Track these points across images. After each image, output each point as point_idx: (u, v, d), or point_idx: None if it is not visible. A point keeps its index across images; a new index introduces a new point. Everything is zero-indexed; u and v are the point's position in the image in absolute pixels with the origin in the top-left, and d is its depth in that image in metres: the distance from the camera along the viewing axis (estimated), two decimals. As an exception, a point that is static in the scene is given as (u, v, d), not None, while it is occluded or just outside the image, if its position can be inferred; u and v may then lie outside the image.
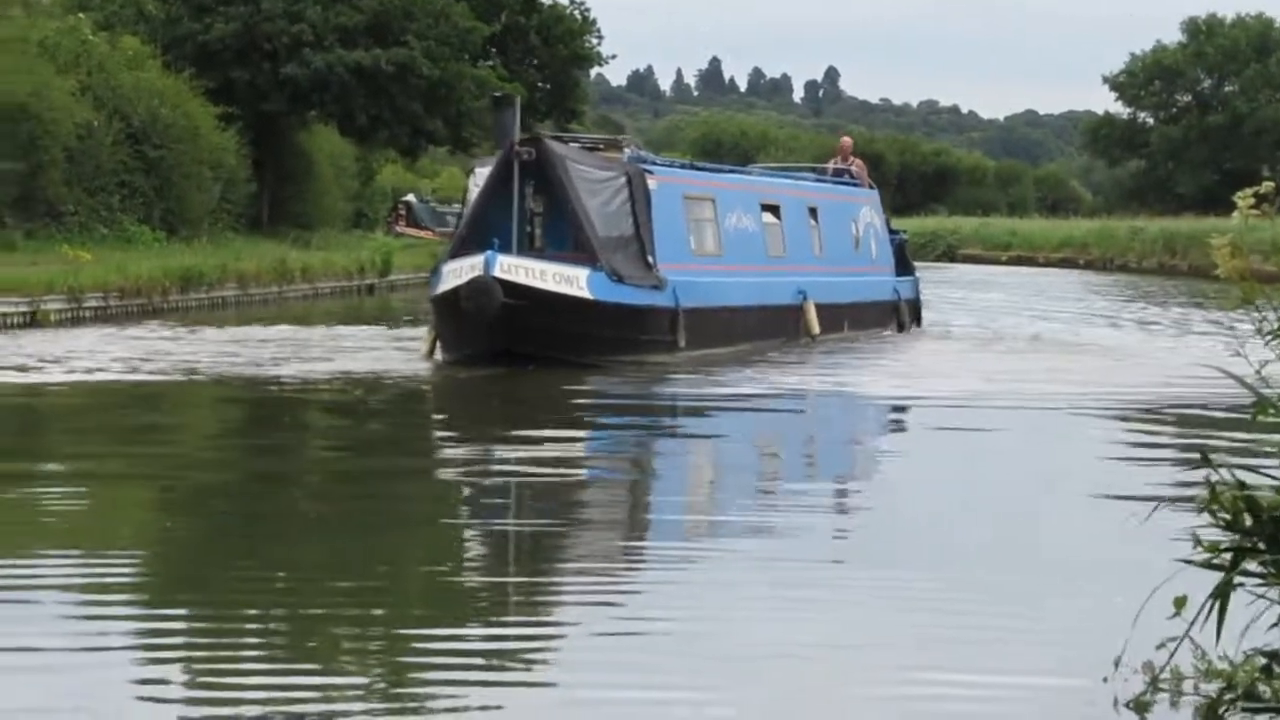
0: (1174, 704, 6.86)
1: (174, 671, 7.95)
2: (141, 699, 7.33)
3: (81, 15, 43.13)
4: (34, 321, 27.84)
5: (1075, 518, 11.84)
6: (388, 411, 19.35)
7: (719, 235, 26.48)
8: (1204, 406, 17.58)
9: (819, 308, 27.87)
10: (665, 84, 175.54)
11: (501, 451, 15.60)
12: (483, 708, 7.13)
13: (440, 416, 20.04)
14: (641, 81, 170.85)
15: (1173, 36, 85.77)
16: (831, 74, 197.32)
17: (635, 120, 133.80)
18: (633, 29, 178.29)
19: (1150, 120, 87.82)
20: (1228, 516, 6.36)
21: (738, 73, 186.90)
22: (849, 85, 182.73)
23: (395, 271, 45.85)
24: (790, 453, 16.68)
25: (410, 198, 70.96)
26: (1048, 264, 63.20)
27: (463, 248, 23.20)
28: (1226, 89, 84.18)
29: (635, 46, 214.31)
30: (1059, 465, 14.83)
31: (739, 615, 8.94)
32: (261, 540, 11.53)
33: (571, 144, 25.51)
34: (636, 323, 23.62)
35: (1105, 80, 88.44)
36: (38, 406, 18.81)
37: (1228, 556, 6.34)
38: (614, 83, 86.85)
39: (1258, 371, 6.28)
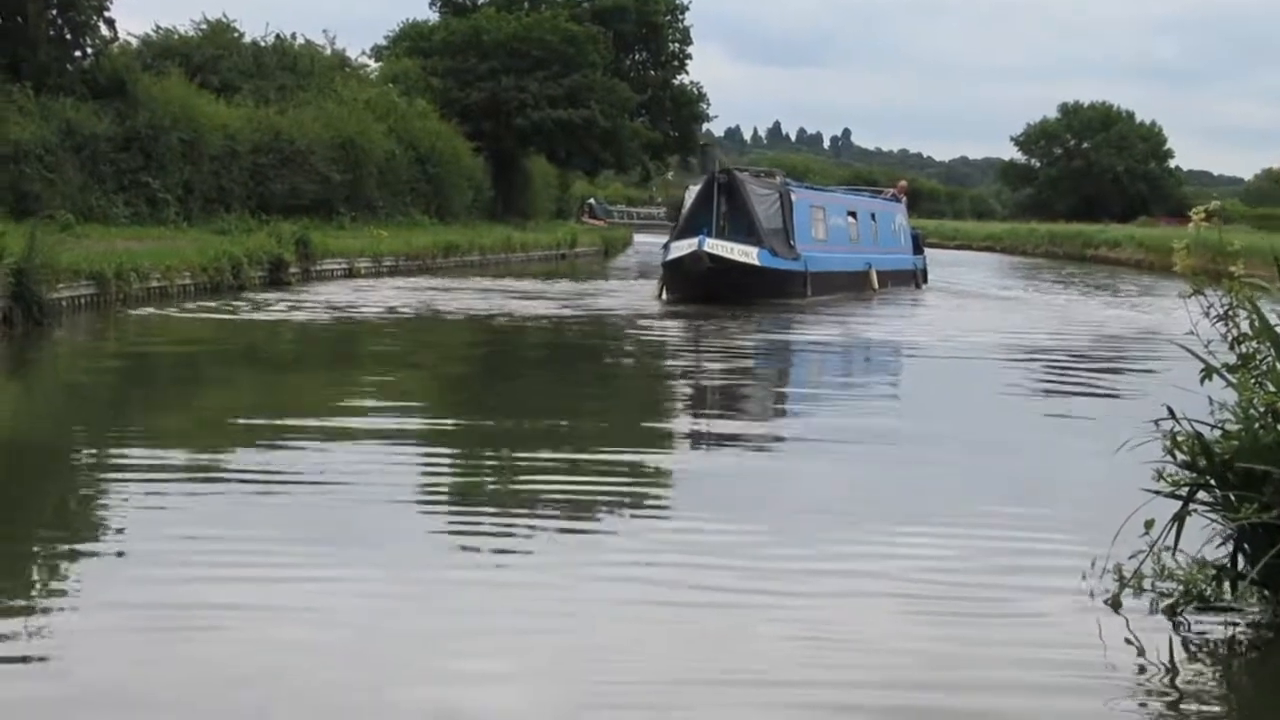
0: (1141, 604, 7.68)
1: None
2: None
3: (390, 85, 59.18)
4: (350, 274, 37.13)
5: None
6: (657, 322, 27.88)
7: (827, 229, 36.41)
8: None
9: (877, 273, 38.43)
10: (748, 135, 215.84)
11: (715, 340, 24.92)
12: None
13: (683, 324, 27.39)
14: (733, 132, 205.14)
15: (1052, 113, 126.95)
16: (846, 132, 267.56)
17: (728, 158, 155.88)
18: (729, 99, 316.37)
19: (1038, 163, 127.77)
20: (1187, 458, 7.55)
21: (790, 129, 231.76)
22: (857, 139, 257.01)
23: (579, 246, 62.99)
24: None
25: (591, 200, 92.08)
26: (978, 249, 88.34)
27: (681, 234, 32.34)
28: (1084, 145, 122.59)
29: (729, 109, 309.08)
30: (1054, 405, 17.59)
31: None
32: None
33: (746, 173, 35.54)
34: (784, 280, 32.47)
35: (1012, 138, 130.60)
36: (357, 327, 24.68)
37: (1185, 490, 7.57)
38: (716, 133, 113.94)
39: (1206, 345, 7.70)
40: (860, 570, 8.55)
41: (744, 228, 32.19)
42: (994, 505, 10.61)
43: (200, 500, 10.18)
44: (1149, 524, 7.57)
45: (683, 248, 30.98)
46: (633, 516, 10.19)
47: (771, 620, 7.58)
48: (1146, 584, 7.79)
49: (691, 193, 33.99)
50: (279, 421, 13.77)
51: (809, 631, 7.39)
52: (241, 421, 14.03)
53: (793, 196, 34.46)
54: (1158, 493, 7.63)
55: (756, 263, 31.41)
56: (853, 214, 39.57)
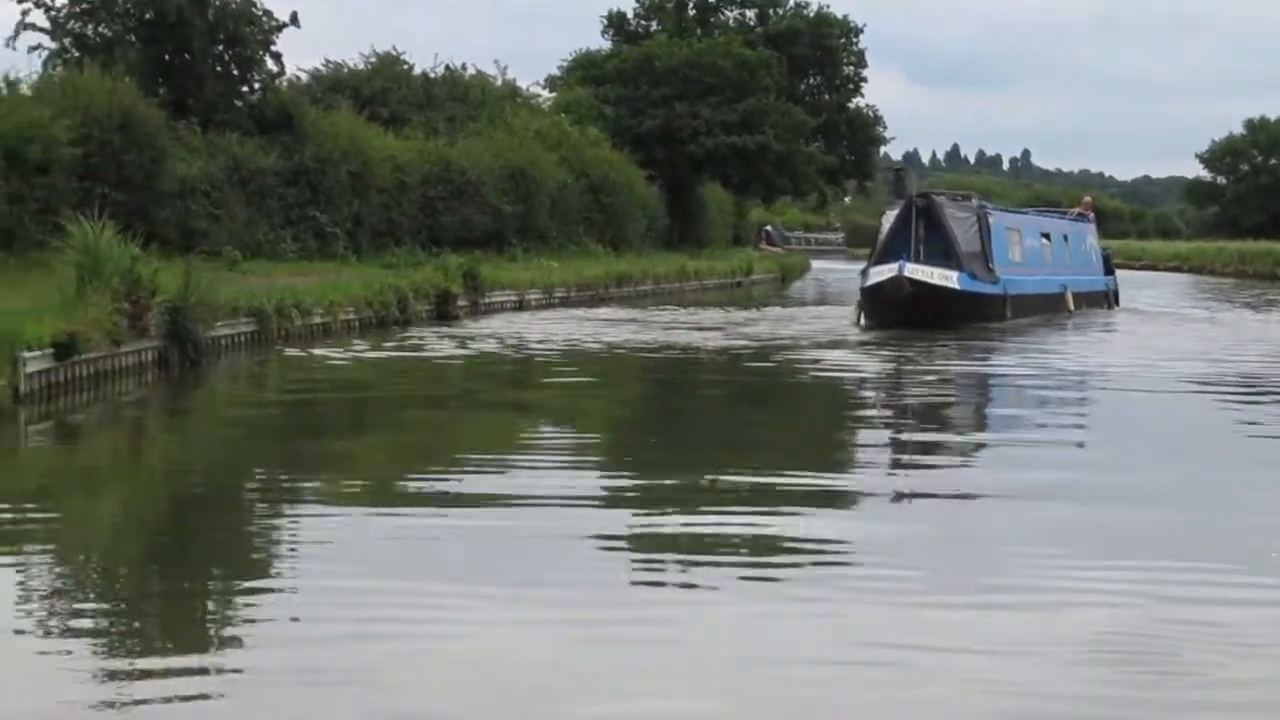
0: None
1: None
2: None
3: (563, 115, 58.21)
4: (520, 306, 36.35)
5: None
6: (855, 351, 26.73)
7: (1023, 251, 36.14)
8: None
9: (1072, 295, 37.88)
10: (925, 158, 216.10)
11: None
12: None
13: (884, 352, 26.29)
14: (910, 155, 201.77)
15: (1238, 129, 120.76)
16: (1026, 153, 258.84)
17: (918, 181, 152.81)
18: (906, 122, 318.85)
19: (1224, 180, 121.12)
20: None
21: (969, 151, 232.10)
22: (1037, 160, 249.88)
23: (755, 273, 61.34)
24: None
25: (768, 227, 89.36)
26: (1164, 269, 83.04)
27: (880, 260, 32.07)
28: (1272, 161, 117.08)
29: (906, 132, 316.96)
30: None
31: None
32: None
33: (944, 196, 34.80)
34: (984, 304, 32.33)
35: (1196, 156, 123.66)
36: (526, 361, 24.02)
37: None
38: (894, 156, 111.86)
39: None
40: (1063, 636, 7.74)
41: (942, 251, 31.83)
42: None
43: (369, 540, 10.04)
44: None
45: (882, 273, 30.86)
46: (815, 564, 9.50)
47: (955, 678, 7.14)
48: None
49: (888, 217, 33.67)
50: (448, 462, 13.57)
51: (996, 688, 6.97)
52: (409, 462, 13.68)
53: (990, 219, 34.22)
54: None
55: (957, 287, 31.17)
56: (1046, 235, 39.17)
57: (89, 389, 17.67)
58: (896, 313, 30.13)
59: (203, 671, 7.21)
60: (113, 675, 7.10)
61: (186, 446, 15.66)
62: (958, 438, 16.23)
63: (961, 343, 27.74)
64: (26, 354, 16.15)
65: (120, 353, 18.77)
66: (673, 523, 10.64)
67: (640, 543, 10.17)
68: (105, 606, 8.42)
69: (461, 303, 33.01)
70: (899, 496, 12.18)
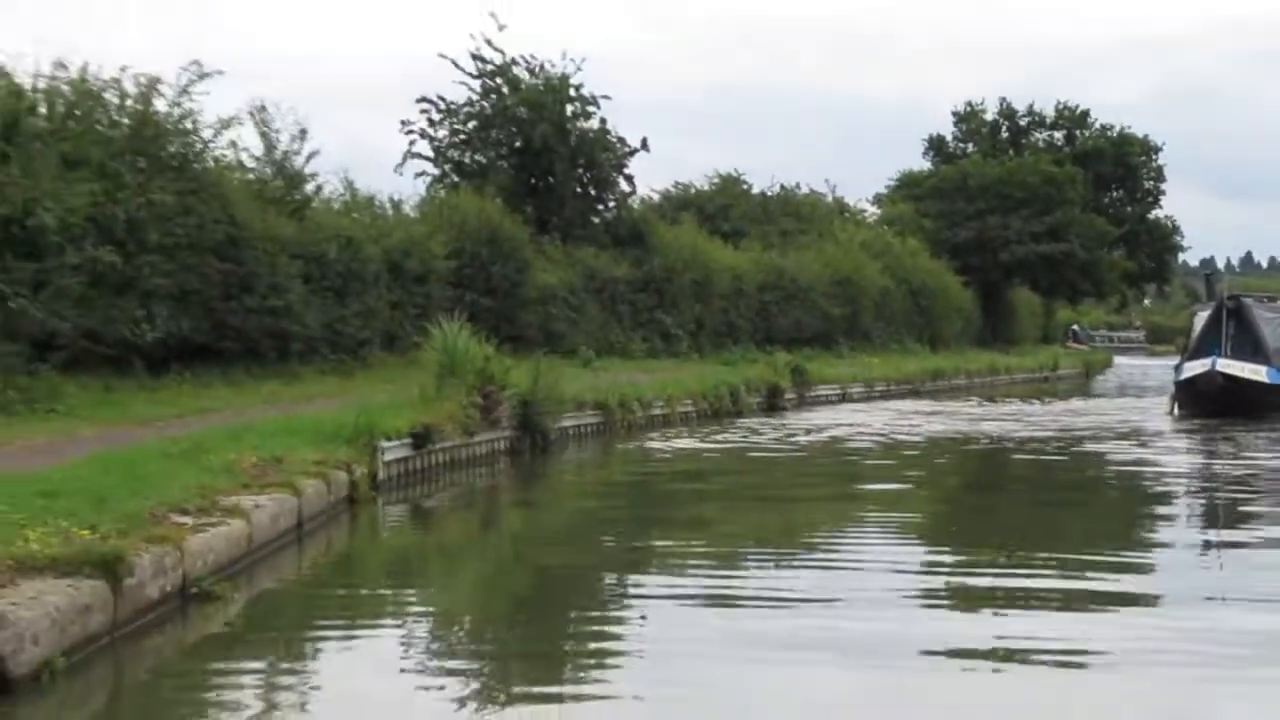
0: None
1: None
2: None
3: (886, 228, 57.57)
4: (843, 399, 34.83)
5: None
6: (1172, 435, 25.86)
7: None
8: None
9: None
10: (1220, 263, 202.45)
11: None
12: None
13: (1195, 440, 24.81)
14: (1206, 262, 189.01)
15: None
16: None
17: (1197, 282, 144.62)
18: (1204, 231, 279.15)
19: None
20: None
21: (1261, 258, 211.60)
22: None
23: (1061, 368, 59.35)
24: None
25: (1075, 326, 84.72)
26: None
27: (1193, 355, 31.45)
28: None
29: (1202, 241, 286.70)
30: None
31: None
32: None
33: (1251, 298, 33.57)
34: None
35: None
36: (849, 453, 21.84)
37: None
38: (1191, 263, 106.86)
39: None
40: None
41: (1250, 347, 30.94)
42: None
43: (700, 621, 9.26)
44: None
45: (1195, 368, 30.20)
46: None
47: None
48: None
49: (1200, 317, 33.20)
50: (780, 548, 12.65)
51: None
52: (742, 549, 12.57)
53: None
54: None
55: (1266, 380, 30.07)
56: None
57: (443, 475, 16.99)
58: (1210, 404, 29.16)
59: (555, 700, 7.36)
60: (475, 708, 7.30)
61: (537, 526, 14.87)
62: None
63: (1266, 433, 25.69)
64: (385, 444, 15.53)
65: (473, 442, 18.16)
66: (984, 618, 9.18)
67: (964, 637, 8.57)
68: (467, 662, 8.43)
69: (789, 395, 31.90)
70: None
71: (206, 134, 22.31)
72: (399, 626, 9.38)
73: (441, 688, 7.62)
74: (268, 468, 12.23)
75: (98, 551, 7.60)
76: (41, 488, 9.85)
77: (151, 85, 21.49)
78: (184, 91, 21.79)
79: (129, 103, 21.19)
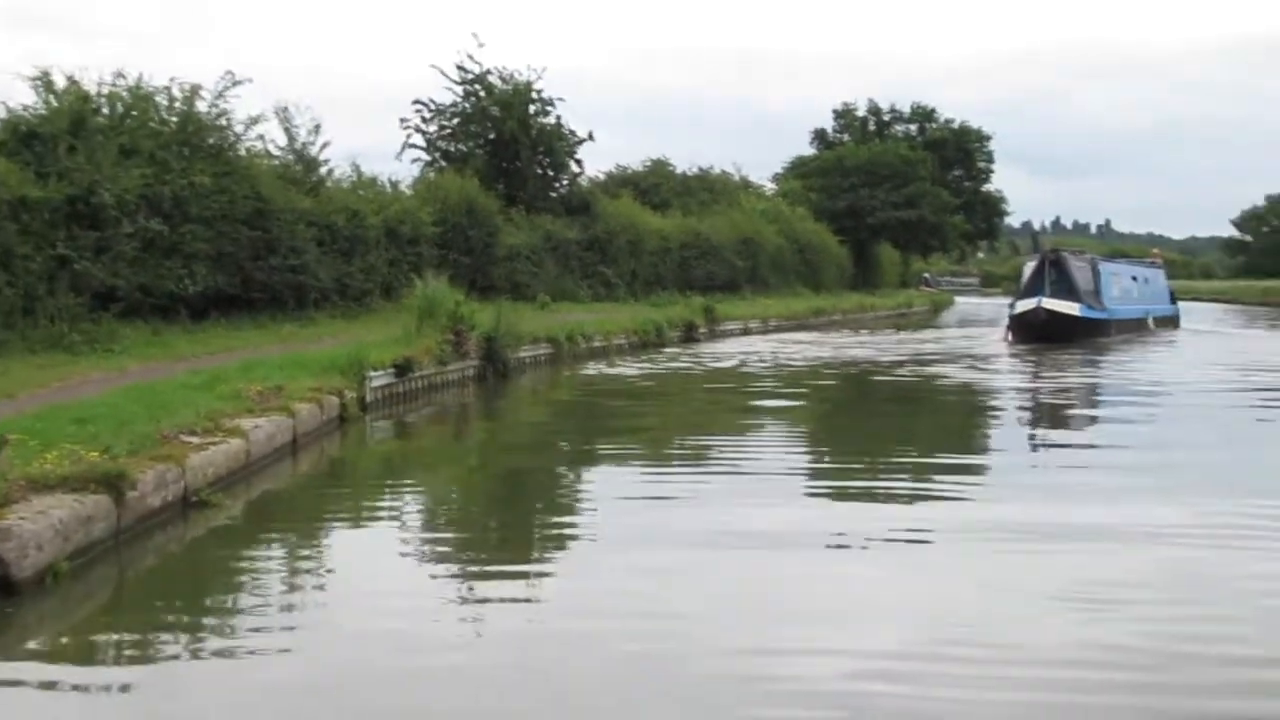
0: None
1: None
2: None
3: (780, 199, 56.93)
4: (745, 332, 33.66)
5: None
6: (1008, 359, 24.80)
7: (1121, 289, 34.61)
8: None
9: (1153, 319, 36.47)
10: (1036, 225, 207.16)
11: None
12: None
13: (1027, 362, 23.90)
14: (1026, 224, 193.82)
15: (1261, 201, 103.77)
16: (1108, 221, 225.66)
17: (1022, 242, 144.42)
18: (1024, 202, 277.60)
19: (1250, 238, 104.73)
20: None
21: (1067, 221, 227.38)
22: (1116, 226, 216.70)
23: (915, 306, 58.23)
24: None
25: (926, 274, 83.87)
26: (1206, 300, 68.48)
27: (1022, 296, 30.96)
28: None
29: (1023, 208, 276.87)
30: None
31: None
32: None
33: (1067, 252, 33.63)
34: (1097, 326, 31.10)
35: (1230, 221, 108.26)
36: (748, 371, 21.64)
37: None
38: (1013, 225, 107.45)
39: None
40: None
41: (1066, 289, 30.96)
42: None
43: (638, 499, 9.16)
44: None
45: (1025, 305, 30.31)
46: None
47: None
48: None
49: (1028, 267, 33.09)
50: (697, 437, 12.72)
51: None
52: (667, 453, 12.07)
53: (1099, 267, 33.57)
54: None
55: (1078, 314, 30.38)
56: (1134, 277, 37.62)
57: (421, 398, 16.41)
58: (1036, 333, 29.38)
59: (523, 576, 7.02)
60: (463, 575, 7.07)
61: (501, 436, 14.33)
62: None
63: (1085, 355, 25.43)
64: (372, 373, 15.00)
65: (446, 370, 17.55)
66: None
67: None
68: (459, 533, 8.27)
69: (703, 330, 31.21)
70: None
71: (239, 129, 21.56)
72: (385, 517, 8.83)
73: (422, 563, 7.26)
74: (270, 394, 11.68)
75: (102, 469, 7.10)
76: (77, 414, 9.34)
77: (194, 91, 20.83)
78: (220, 95, 21.14)
79: (176, 104, 20.49)
